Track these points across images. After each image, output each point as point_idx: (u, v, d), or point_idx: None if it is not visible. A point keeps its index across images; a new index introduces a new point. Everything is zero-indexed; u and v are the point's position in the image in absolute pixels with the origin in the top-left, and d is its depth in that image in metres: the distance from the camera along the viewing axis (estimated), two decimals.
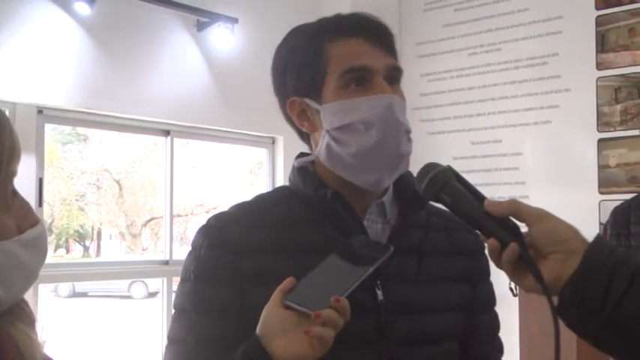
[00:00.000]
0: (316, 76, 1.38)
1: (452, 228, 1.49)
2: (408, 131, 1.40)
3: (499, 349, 1.56)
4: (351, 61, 1.36)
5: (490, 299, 1.56)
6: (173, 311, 1.40)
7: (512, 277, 1.15)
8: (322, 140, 1.40)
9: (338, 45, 1.38)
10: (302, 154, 1.50)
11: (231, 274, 1.33)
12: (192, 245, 1.41)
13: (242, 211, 1.43)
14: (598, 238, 1.13)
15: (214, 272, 1.35)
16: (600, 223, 4.18)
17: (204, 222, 1.45)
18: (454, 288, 1.46)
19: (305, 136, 1.49)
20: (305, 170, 1.45)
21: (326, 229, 1.37)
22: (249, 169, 10.58)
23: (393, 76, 1.41)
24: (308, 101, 1.41)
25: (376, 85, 1.37)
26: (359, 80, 1.36)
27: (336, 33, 1.40)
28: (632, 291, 1.06)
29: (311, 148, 1.49)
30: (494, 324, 1.56)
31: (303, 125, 1.44)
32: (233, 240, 1.35)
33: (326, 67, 1.38)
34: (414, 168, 1.32)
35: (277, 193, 1.50)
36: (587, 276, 1.08)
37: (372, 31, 1.40)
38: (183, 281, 1.39)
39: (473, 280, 1.49)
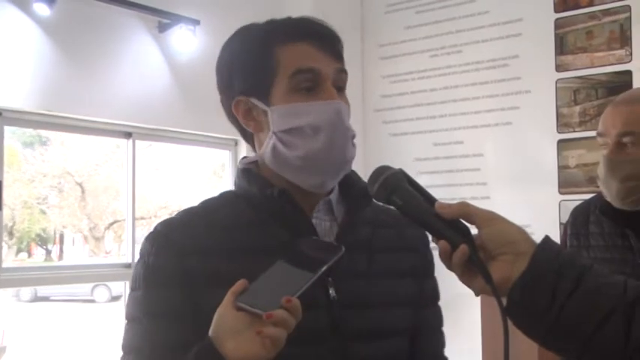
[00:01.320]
0: (265, 77, 1.40)
1: (400, 224, 1.51)
2: (353, 137, 1.43)
3: (443, 343, 1.59)
4: (299, 63, 1.38)
5: (435, 294, 1.59)
6: (125, 322, 1.39)
7: (462, 279, 1.17)
8: (268, 141, 1.41)
9: (287, 48, 1.39)
10: (245, 158, 1.52)
11: (181, 278, 1.33)
12: (140, 253, 1.41)
13: (188, 216, 1.44)
14: (546, 240, 1.15)
15: (164, 277, 1.34)
16: (560, 223, 4.23)
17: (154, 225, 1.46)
18: (403, 283, 1.48)
19: (249, 136, 1.50)
20: (249, 172, 1.46)
21: (274, 229, 1.38)
22: (212, 171, 10.54)
23: (340, 82, 1.43)
24: (255, 101, 1.42)
25: (325, 90, 1.38)
26: (309, 84, 1.38)
27: (285, 37, 1.41)
28: (577, 291, 1.08)
29: (253, 148, 1.50)
30: (439, 318, 1.59)
31: (249, 125, 1.45)
32: (180, 244, 1.36)
33: (275, 69, 1.39)
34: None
35: (223, 197, 1.51)
36: (535, 277, 1.10)
37: (320, 37, 1.42)
38: (133, 290, 1.39)
39: (419, 275, 1.52)
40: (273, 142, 1.40)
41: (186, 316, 1.31)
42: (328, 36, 1.44)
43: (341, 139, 1.39)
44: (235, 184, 1.50)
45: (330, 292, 1.36)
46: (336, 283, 1.36)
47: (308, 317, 1.21)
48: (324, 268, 1.22)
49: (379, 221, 1.50)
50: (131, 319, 1.37)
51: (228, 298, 1.19)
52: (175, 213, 1.49)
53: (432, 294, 1.57)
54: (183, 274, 1.33)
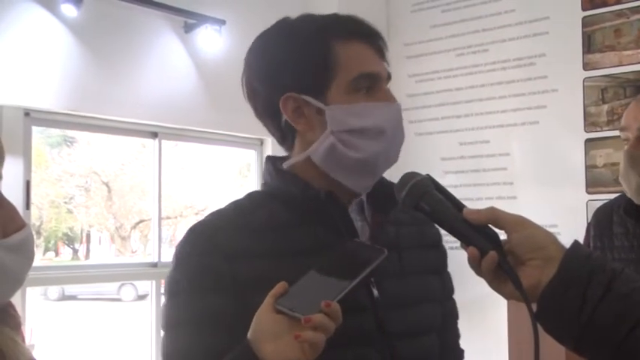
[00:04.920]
0: (322, 75, 1.36)
1: (418, 222, 1.50)
2: None
3: (459, 334, 1.62)
4: (362, 67, 1.37)
5: (452, 287, 1.61)
6: (165, 328, 1.35)
7: (491, 285, 1.16)
8: (324, 140, 1.36)
9: (345, 47, 1.37)
10: (270, 157, 1.50)
11: (229, 281, 1.30)
12: (177, 257, 1.37)
13: (224, 217, 1.41)
14: (575, 244, 1.14)
15: (211, 280, 1.31)
16: (588, 223, 4.19)
17: (189, 227, 1.42)
18: (430, 280, 1.50)
19: (286, 134, 1.45)
20: (284, 172, 1.44)
21: (316, 230, 1.36)
22: (238, 170, 10.55)
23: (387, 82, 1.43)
24: (308, 99, 1.37)
25: (381, 91, 1.39)
26: (368, 85, 1.37)
27: (342, 34, 1.38)
28: (608, 296, 1.07)
29: (290, 147, 1.46)
30: (456, 310, 1.61)
31: (298, 123, 1.40)
32: (222, 245, 1.32)
33: (334, 68, 1.35)
34: (402, 169, 1.34)
35: (253, 197, 1.48)
36: (565, 282, 1.09)
37: (374, 37, 1.42)
38: (173, 295, 1.35)
39: (440, 270, 1.55)
40: (332, 142, 1.36)
41: (231, 321, 1.28)
42: (379, 37, 1.43)
43: (399, 141, 1.41)
44: (266, 184, 1.48)
45: (374, 292, 1.35)
46: (376, 283, 1.36)
47: (355, 319, 1.22)
48: (366, 272, 1.21)
49: (400, 220, 1.49)
50: (173, 325, 1.33)
51: (268, 300, 1.18)
52: (197, 213, 1.46)
53: (450, 287, 1.59)
54: (230, 278, 1.30)
